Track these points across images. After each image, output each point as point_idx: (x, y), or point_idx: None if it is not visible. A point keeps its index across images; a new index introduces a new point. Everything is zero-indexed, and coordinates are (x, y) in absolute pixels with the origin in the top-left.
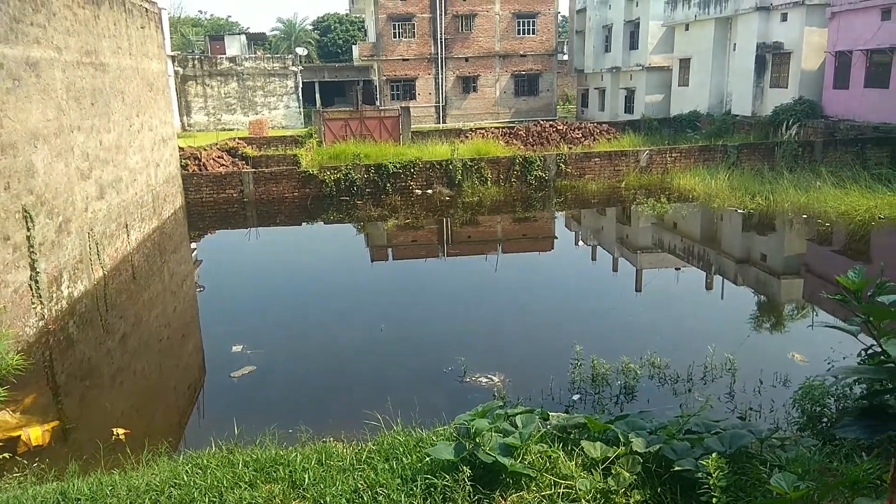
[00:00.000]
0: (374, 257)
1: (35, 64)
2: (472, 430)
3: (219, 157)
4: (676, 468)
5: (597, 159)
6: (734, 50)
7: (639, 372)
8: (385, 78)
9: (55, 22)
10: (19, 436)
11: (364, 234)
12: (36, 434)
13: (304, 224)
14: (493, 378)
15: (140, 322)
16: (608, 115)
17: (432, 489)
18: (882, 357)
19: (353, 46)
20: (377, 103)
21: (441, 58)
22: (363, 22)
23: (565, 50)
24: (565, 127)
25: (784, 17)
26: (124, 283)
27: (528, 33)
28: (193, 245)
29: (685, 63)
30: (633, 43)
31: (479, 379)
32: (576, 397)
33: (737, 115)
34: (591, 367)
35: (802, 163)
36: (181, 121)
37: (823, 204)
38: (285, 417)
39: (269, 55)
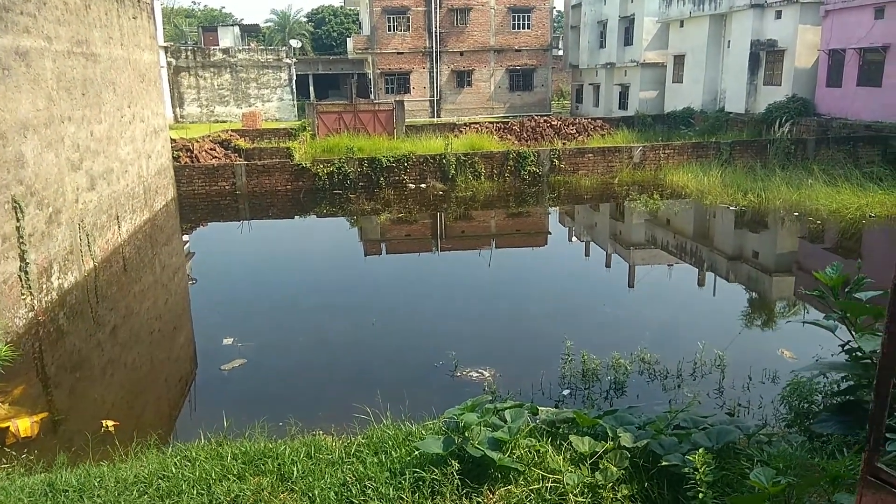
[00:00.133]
0: (367, 251)
1: (25, 53)
2: (462, 425)
3: (211, 149)
4: (664, 463)
5: (590, 155)
6: (728, 47)
7: (629, 367)
8: (379, 71)
9: (45, 11)
10: (8, 427)
11: (357, 227)
12: (25, 425)
13: (296, 217)
14: (484, 372)
15: (131, 314)
16: (602, 111)
17: (421, 483)
18: (858, 353)
19: (348, 39)
20: (371, 97)
21: (436, 52)
22: (358, 14)
23: (560, 45)
24: (559, 122)
25: (778, 15)
26: (115, 274)
27: (524, 28)
28: (185, 237)
29: (679, 60)
30: (627, 39)
31: (470, 373)
32: (566, 392)
33: (730, 113)
34: (582, 362)
35: (795, 160)
36: (174, 112)
37: (815, 201)
38: (275, 410)
39: (262, 47)
